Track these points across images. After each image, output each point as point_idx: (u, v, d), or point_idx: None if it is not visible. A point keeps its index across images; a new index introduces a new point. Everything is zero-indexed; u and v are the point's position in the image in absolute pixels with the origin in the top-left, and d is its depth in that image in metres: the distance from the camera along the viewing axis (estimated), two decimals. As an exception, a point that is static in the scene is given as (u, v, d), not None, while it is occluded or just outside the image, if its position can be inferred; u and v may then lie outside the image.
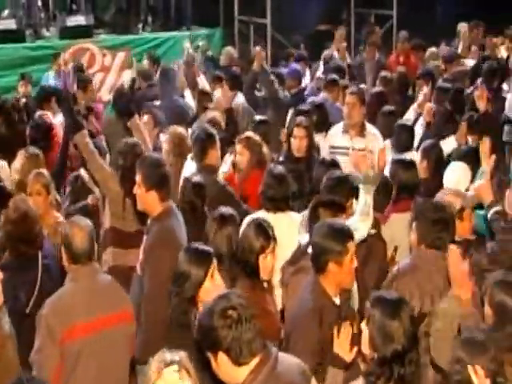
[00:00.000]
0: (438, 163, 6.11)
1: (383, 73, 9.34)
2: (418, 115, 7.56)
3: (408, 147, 6.66)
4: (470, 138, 6.99)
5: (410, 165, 5.58)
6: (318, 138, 7.06)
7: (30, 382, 3.13)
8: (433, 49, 10.76)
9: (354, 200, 4.87)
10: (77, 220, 4.25)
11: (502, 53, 10.36)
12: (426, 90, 7.94)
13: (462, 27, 11.61)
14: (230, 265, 4.37)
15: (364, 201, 4.56)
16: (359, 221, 4.53)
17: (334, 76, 8.70)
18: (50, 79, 9.97)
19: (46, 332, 3.92)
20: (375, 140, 6.85)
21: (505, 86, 9.00)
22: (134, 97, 8.06)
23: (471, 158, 5.87)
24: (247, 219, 4.82)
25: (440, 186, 5.60)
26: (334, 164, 5.78)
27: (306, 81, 10.10)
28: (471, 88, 8.61)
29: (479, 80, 8.66)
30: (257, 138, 6.36)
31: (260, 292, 4.30)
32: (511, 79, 8.82)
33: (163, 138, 6.58)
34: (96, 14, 12.65)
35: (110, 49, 12.19)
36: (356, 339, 3.67)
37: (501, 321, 3.55)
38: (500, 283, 3.62)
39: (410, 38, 11.45)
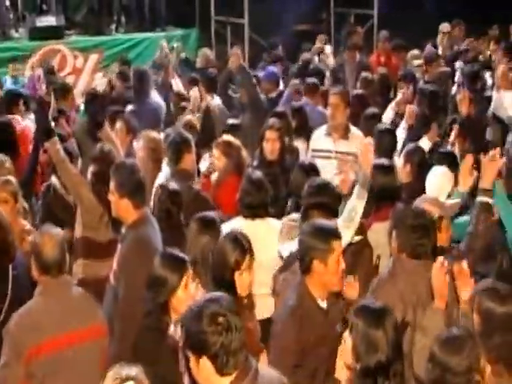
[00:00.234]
0: (421, 167, 5.99)
1: (364, 74, 9.22)
2: (398, 116, 7.47)
3: (391, 151, 6.51)
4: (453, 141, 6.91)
5: (389, 169, 5.44)
6: (297, 142, 6.96)
7: None
8: (415, 51, 10.59)
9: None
10: (47, 229, 4.14)
11: (485, 53, 10.35)
12: (405, 89, 7.90)
13: (444, 27, 11.54)
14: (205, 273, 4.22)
15: (352, 206, 4.51)
16: (343, 227, 4.43)
17: (314, 80, 8.53)
18: (9, 84, 9.75)
19: (12, 347, 3.83)
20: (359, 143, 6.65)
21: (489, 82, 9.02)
22: (108, 99, 7.89)
23: (451, 161, 5.79)
24: (225, 229, 4.61)
25: (423, 190, 5.48)
26: (313, 168, 5.63)
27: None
28: (454, 90, 8.58)
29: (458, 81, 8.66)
30: (235, 142, 6.22)
31: (239, 309, 4.10)
32: (495, 79, 8.72)
33: (137, 145, 6.39)
34: (67, 14, 12.60)
35: (81, 50, 12.08)
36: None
37: (488, 328, 3.53)
38: (487, 291, 3.62)
39: (391, 38, 11.37)
